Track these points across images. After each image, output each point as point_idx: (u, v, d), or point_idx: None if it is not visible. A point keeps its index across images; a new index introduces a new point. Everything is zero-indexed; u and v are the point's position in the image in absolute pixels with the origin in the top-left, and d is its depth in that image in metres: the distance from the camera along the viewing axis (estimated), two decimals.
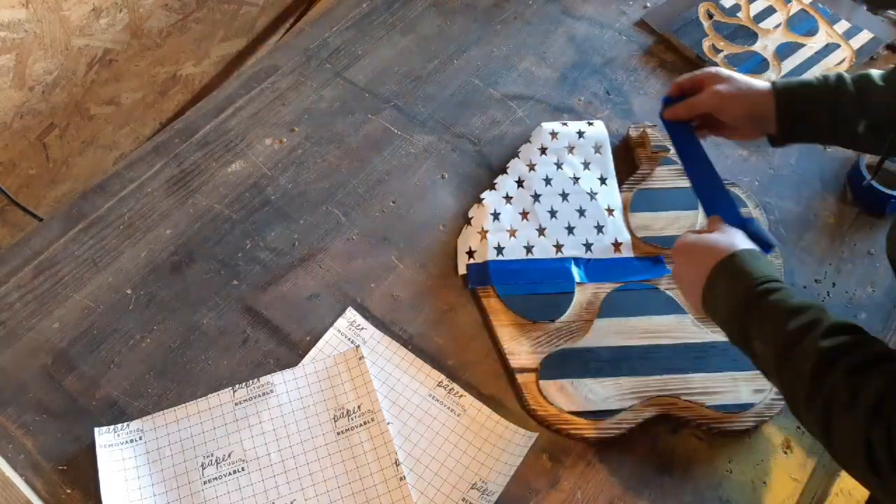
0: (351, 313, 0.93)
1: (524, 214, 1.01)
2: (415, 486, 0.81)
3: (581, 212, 1.01)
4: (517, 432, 0.85)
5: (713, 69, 0.92)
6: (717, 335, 0.90)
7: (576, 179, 1.04)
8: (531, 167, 1.04)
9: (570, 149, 1.06)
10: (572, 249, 0.98)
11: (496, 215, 1.00)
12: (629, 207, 1.02)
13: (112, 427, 0.83)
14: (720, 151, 1.11)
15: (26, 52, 1.07)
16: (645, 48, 1.24)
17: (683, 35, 1.23)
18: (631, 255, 0.98)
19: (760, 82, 0.89)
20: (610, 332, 0.91)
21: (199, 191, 1.03)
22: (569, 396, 0.86)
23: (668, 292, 0.95)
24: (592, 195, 1.02)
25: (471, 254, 0.97)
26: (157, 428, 0.84)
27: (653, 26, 1.25)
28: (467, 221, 1.01)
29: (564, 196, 1.02)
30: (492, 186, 1.03)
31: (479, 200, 1.02)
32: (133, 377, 0.88)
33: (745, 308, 0.70)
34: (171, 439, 0.83)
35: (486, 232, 0.98)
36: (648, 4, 1.30)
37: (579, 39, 1.24)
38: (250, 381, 0.87)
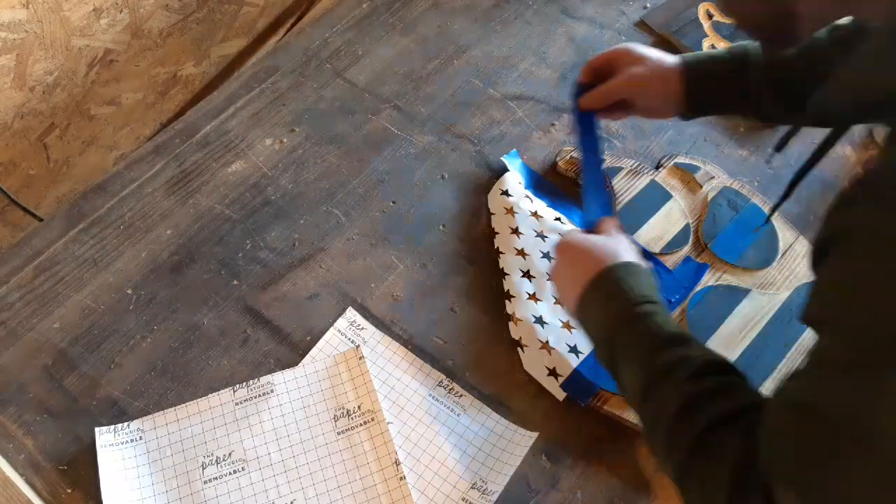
0: (351, 313, 0.93)
1: (560, 301, 0.91)
2: (415, 486, 0.81)
3: None
4: (517, 432, 0.85)
5: (623, 46, 0.89)
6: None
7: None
8: (522, 254, 0.96)
9: (536, 214, 0.99)
10: None
11: (540, 322, 0.91)
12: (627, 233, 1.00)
13: (112, 427, 0.83)
14: (720, 151, 1.11)
15: (27, 52, 1.07)
16: None
17: (683, 35, 1.23)
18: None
19: (670, 58, 0.87)
20: (721, 349, 0.85)
21: (199, 191, 1.03)
22: None
23: (722, 283, 0.95)
24: None
25: (553, 374, 0.88)
26: (157, 428, 0.84)
27: (652, 27, 1.25)
28: (519, 346, 0.90)
29: None
30: (507, 296, 0.94)
31: (509, 318, 0.92)
32: (133, 377, 0.88)
33: (616, 331, 0.67)
34: (171, 439, 0.83)
35: (548, 343, 0.89)
36: (648, 5, 1.30)
37: (579, 40, 1.24)
38: (250, 381, 0.87)
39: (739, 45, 0.85)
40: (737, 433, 0.56)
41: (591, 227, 0.83)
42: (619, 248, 0.74)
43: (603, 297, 0.70)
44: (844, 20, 0.73)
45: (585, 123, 0.91)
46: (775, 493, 0.51)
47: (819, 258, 0.53)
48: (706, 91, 0.86)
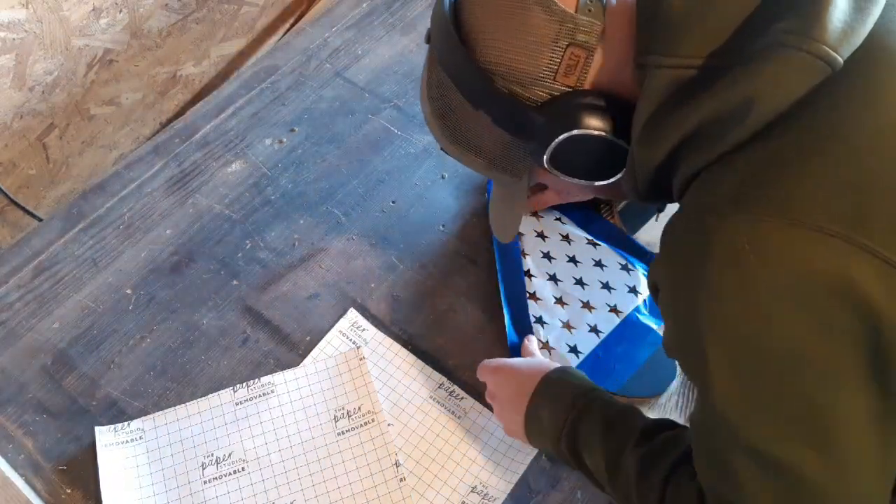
0: (353, 314, 0.93)
1: (560, 301, 0.91)
2: (414, 489, 0.81)
3: (599, 264, 0.94)
4: None
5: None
6: None
7: (566, 238, 0.97)
8: (523, 254, 0.96)
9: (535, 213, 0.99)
10: (627, 303, 0.91)
11: (540, 322, 0.90)
12: (627, 232, 0.98)
13: (112, 427, 0.83)
14: None
15: (26, 52, 1.06)
16: None
17: None
18: None
19: None
20: None
21: (199, 191, 1.03)
22: None
23: None
24: (592, 242, 0.97)
25: None
26: (157, 428, 0.83)
27: None
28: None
29: (574, 260, 0.95)
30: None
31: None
32: (133, 377, 0.88)
33: (572, 424, 0.73)
34: (171, 439, 0.83)
35: (548, 343, 0.88)
36: None
37: None
38: (251, 381, 0.87)
39: None
40: (690, 473, 0.64)
41: (515, 351, 0.88)
42: (545, 361, 0.82)
43: (551, 399, 0.75)
44: None
45: (508, 247, 0.96)
46: None
47: (654, 298, 0.66)
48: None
